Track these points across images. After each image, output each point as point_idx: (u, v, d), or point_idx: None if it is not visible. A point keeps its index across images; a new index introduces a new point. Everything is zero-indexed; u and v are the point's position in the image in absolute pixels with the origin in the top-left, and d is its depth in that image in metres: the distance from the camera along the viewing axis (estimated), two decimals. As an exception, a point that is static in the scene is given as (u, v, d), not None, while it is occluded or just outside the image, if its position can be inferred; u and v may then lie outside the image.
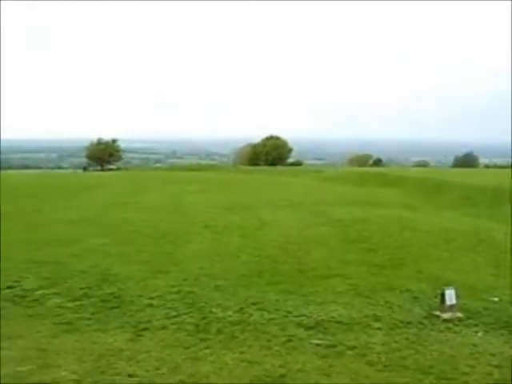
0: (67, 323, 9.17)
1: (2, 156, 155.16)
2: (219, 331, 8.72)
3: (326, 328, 9.00)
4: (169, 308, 9.80)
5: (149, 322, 9.19)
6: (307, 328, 8.97)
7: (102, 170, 73.98)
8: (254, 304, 10.01)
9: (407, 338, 8.68)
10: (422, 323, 9.42)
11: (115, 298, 10.36)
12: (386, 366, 7.50)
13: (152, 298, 10.29)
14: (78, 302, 10.12)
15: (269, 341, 8.35)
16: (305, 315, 9.54)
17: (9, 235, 15.76)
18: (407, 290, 11.26)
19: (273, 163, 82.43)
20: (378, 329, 9.06)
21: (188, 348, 8.00)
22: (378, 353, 8.00)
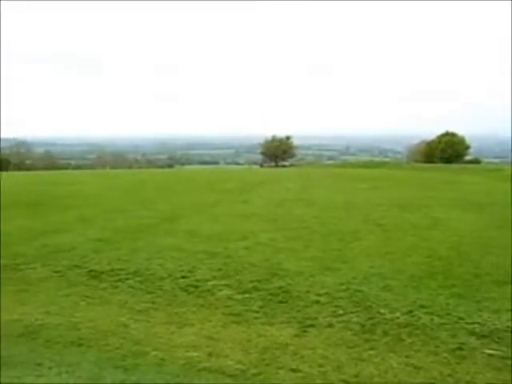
0: (236, 314, 9.45)
1: (182, 152, 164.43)
2: (385, 333, 8.51)
3: (500, 338, 8.41)
4: (336, 306, 9.73)
5: (315, 318, 9.20)
6: (480, 337, 8.44)
7: (276, 166, 75.55)
8: (423, 307, 9.63)
9: None
10: None
11: (283, 292, 10.48)
12: None
13: (319, 295, 10.27)
14: (247, 295, 10.39)
15: (437, 347, 8.00)
16: (478, 323, 8.99)
17: (187, 226, 16.62)
18: None
19: (448, 161, 79.26)
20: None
21: (352, 348, 7.90)
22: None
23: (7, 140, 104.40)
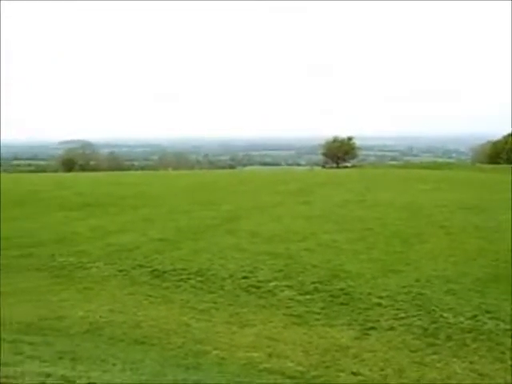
0: (297, 316, 9.46)
1: (243, 153, 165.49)
2: (449, 337, 8.34)
3: None
4: (398, 309, 9.61)
5: (377, 321, 9.11)
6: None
7: (338, 167, 75.04)
8: (488, 312, 9.38)
9: None
10: None
11: (345, 294, 10.42)
12: None
13: (381, 297, 10.17)
14: (308, 296, 10.38)
15: (503, 353, 7.77)
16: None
17: (249, 226, 16.70)
18: None
19: (515, 161, 76.76)
20: None
21: (415, 352, 7.78)
22: None
23: (74, 142, 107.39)
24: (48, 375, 4.34)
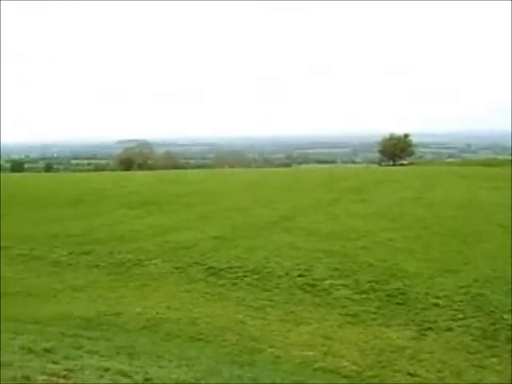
0: (353, 315, 9.40)
1: (299, 151, 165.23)
2: (509, 339, 8.14)
3: None
4: (455, 309, 9.44)
5: (434, 322, 8.98)
6: None
7: (394, 164, 74.08)
8: (550, 313, 9.14)
9: None
10: None
11: (401, 294, 10.30)
12: None
13: (438, 298, 10.00)
14: (364, 295, 10.30)
15: None
16: None
17: (305, 224, 16.67)
18: None
19: None
20: None
21: (473, 354, 7.63)
22: None
23: (132, 141, 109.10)
24: (106, 369, 4.45)
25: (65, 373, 4.15)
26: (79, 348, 5.45)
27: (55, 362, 4.49)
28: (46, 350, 4.83)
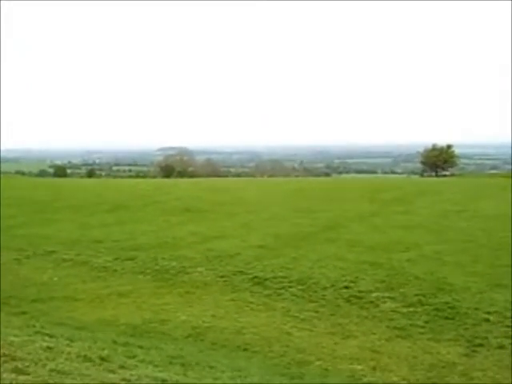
0: (400, 328, 9.24)
1: (339, 160, 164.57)
2: None
3: None
4: (507, 326, 9.19)
5: (485, 338, 8.76)
6: None
7: (437, 175, 73.21)
8: None
9: None
10: None
11: (449, 308, 10.09)
12: None
13: (489, 313, 9.76)
14: (411, 309, 10.13)
15: None
16: None
17: (348, 235, 16.52)
18: None
19: None
20: None
21: (528, 373, 7.41)
22: None
23: (172, 148, 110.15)
24: (163, 380, 4.42)
25: (123, 383, 4.13)
26: (133, 357, 5.46)
27: (112, 371, 4.49)
28: (102, 359, 4.83)
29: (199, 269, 13.27)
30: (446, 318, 9.66)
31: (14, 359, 4.21)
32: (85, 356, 4.83)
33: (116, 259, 14.55)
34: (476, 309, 9.97)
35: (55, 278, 13.13)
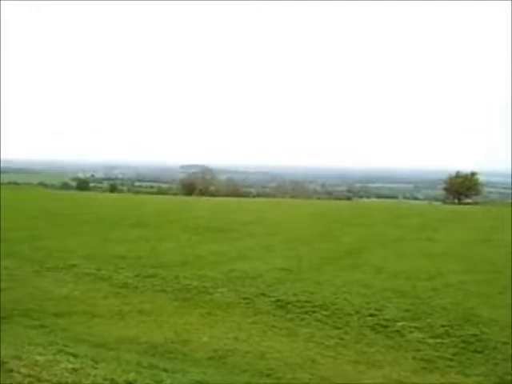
0: (427, 360, 8.99)
1: (360, 184, 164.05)
2: None
3: None
4: (540, 363, 8.90)
5: (516, 375, 8.48)
6: None
7: (460, 203, 72.52)
8: None
9: None
10: None
11: (478, 341, 9.81)
12: None
13: (519, 349, 9.48)
14: (438, 340, 9.87)
15: None
16: None
17: (372, 261, 16.28)
18: None
19: None
20: None
21: None
22: None
23: (194, 166, 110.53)
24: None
25: None
26: (160, 382, 5.30)
27: (141, 397, 4.36)
28: (129, 383, 4.70)
29: (221, 289, 13.11)
30: (475, 351, 9.39)
31: (39, 380, 4.09)
32: (112, 379, 4.70)
33: (137, 276, 14.44)
34: (505, 343, 9.67)
35: (76, 292, 13.05)
